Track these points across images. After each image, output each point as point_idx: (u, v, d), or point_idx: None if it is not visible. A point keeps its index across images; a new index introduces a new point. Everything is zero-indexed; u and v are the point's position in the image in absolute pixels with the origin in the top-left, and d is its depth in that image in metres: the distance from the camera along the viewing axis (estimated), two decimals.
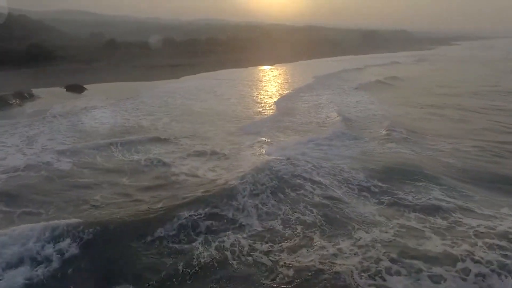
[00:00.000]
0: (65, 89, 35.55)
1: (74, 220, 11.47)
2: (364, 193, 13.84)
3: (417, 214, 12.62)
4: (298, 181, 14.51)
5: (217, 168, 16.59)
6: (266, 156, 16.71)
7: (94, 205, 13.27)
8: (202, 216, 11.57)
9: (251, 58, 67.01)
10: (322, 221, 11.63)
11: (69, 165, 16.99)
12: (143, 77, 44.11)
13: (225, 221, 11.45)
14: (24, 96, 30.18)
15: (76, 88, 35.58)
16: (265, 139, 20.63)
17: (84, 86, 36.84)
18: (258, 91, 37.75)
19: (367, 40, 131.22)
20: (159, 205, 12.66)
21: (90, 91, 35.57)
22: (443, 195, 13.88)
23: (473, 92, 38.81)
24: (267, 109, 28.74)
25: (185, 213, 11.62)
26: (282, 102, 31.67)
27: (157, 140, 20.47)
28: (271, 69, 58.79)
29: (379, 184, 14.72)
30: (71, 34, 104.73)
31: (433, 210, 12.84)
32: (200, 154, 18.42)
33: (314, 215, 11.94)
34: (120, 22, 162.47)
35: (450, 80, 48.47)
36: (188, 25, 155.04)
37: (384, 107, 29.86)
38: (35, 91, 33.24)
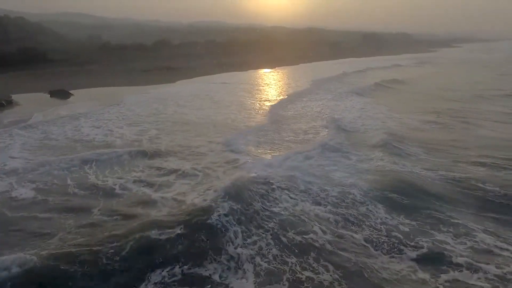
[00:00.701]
0: (49, 95, 32.42)
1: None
2: (394, 234, 10.71)
3: (467, 260, 9.61)
4: (304, 218, 11.40)
5: (207, 192, 13.47)
6: (264, 185, 13.56)
7: (41, 254, 10.13)
8: (178, 278, 8.44)
9: (251, 61, 63.94)
10: (343, 284, 8.51)
11: (31, 193, 13.90)
12: (136, 80, 41.01)
13: (209, 286, 8.32)
14: (1, 103, 27.02)
15: (61, 94, 32.46)
16: (263, 156, 17.50)
17: (72, 91, 33.74)
18: (259, 96, 34.63)
19: (368, 43, 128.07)
20: (125, 252, 9.61)
21: (77, 97, 32.46)
22: (491, 237, 10.78)
23: (481, 96, 36.05)
24: (268, 118, 25.54)
25: (156, 273, 8.51)
26: (283, 109, 28.60)
27: (141, 157, 17.35)
28: (272, 72, 55.65)
29: (407, 221, 11.62)
30: (69, 37, 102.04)
31: (484, 257, 9.82)
32: (188, 176, 15.33)
33: (331, 274, 8.80)
34: (119, 25, 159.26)
35: (456, 83, 45.63)
36: (188, 28, 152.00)
37: (391, 114, 26.82)
38: (15, 97, 30.15)
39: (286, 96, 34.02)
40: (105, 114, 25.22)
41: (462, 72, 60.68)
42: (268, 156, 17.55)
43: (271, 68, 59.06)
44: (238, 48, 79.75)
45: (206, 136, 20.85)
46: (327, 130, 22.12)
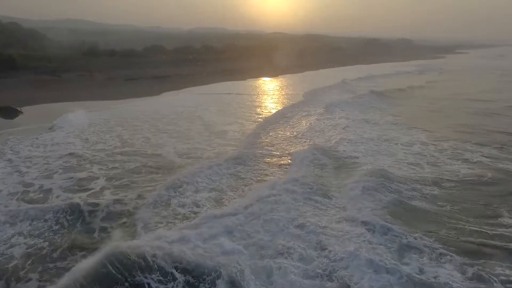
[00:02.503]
0: None
1: None
2: None
3: None
4: None
5: None
6: None
7: None
8: None
9: (251, 69, 55.93)
10: None
11: None
12: (111, 92, 32.91)
13: None
14: None
15: (7, 112, 24.48)
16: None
17: (25, 107, 25.80)
18: (253, 114, 26.66)
19: (372, 49, 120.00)
20: None
21: (26, 116, 24.38)
22: None
23: None
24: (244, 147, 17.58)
25: None
26: (273, 130, 20.65)
27: (46, 253, 9.32)
28: (274, 81, 47.59)
29: None
30: (62, 43, 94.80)
31: None
32: None
33: None
34: (118, 31, 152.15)
35: (483, 93, 38.23)
36: (187, 34, 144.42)
37: (435, 146, 18.88)
38: None
39: (297, 117, 26.05)
40: (41, 148, 17.05)
41: (482, 80, 53.15)
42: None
43: (274, 76, 50.98)
44: (237, 54, 71.78)
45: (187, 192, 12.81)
46: (329, 173, 14.07)
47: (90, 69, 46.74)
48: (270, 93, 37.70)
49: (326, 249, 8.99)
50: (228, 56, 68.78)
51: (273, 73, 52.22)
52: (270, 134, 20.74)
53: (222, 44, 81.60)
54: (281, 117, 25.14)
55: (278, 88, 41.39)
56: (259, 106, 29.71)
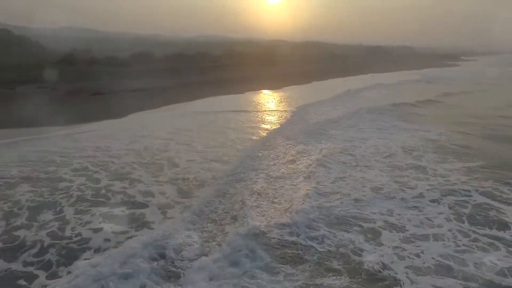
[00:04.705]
0: None
1: None
2: None
3: None
4: None
5: None
6: None
7: None
8: None
9: (251, 79, 46.94)
10: None
11: None
12: (63, 113, 23.60)
13: None
14: None
15: None
16: None
17: None
18: (252, 138, 17.42)
19: (377, 56, 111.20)
20: None
21: None
22: None
23: None
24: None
25: None
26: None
27: None
28: (278, 95, 38.40)
29: None
30: (53, 51, 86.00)
31: None
32: None
33: None
34: (116, 39, 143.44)
35: None
36: (185, 41, 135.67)
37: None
38: None
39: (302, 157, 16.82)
40: None
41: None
42: None
43: (278, 88, 41.76)
44: (235, 63, 62.78)
45: None
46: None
47: (59, 80, 37.70)
48: (271, 111, 28.42)
49: None
50: (225, 64, 59.81)
51: (276, 85, 43.03)
52: (229, 195, 11.53)
53: (219, 52, 72.63)
54: (269, 156, 15.95)
55: (283, 104, 32.12)
56: (253, 130, 20.48)
